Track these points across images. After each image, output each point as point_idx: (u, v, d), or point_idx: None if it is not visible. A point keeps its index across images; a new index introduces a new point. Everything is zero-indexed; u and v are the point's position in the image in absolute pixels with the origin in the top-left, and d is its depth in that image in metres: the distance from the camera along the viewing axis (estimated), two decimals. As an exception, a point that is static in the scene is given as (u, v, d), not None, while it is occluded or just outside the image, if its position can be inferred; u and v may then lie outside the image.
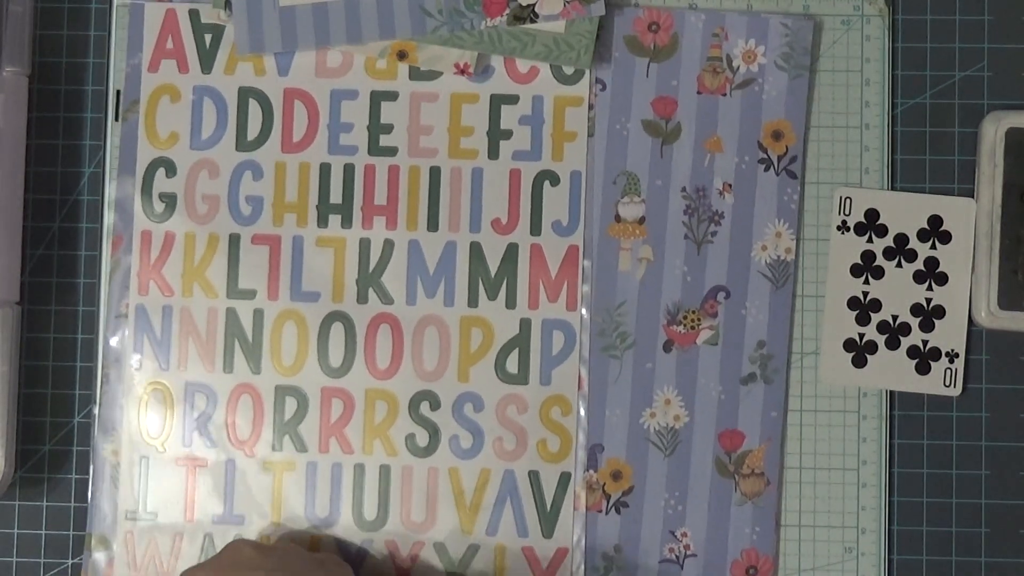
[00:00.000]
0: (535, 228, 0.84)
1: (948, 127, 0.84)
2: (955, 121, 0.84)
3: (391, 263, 0.84)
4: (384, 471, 0.83)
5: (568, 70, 0.84)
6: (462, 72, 0.83)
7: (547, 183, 0.84)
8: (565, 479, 0.83)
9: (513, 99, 0.84)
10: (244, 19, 0.83)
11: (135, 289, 0.84)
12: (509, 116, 0.84)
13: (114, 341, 0.83)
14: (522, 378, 0.83)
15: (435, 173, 0.84)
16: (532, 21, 0.83)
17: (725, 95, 0.84)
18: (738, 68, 0.84)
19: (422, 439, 0.83)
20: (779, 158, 0.83)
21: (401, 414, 0.83)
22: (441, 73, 0.84)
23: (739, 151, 0.84)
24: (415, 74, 0.84)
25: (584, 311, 0.83)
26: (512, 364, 0.83)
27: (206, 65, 0.84)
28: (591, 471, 0.83)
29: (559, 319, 0.83)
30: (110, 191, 0.84)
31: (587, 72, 0.84)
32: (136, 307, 0.84)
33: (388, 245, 0.84)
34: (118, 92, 0.84)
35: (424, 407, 0.83)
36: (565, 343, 0.83)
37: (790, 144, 0.84)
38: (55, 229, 0.85)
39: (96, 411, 0.83)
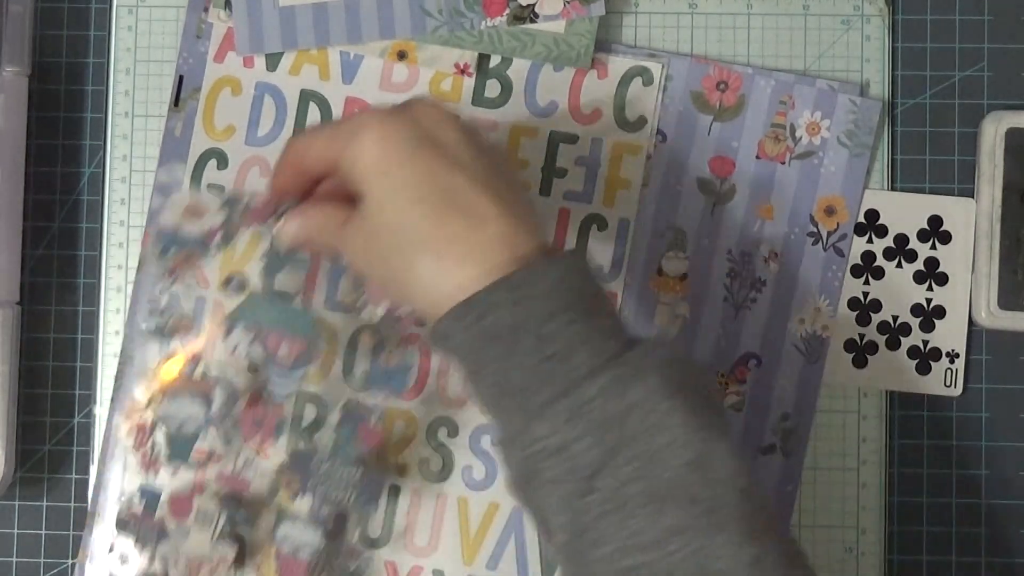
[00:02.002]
0: None
1: (948, 127, 0.84)
2: (955, 121, 0.84)
3: None
4: (393, 491, 0.83)
5: (632, 117, 0.83)
6: (462, 72, 0.83)
7: (595, 227, 0.83)
8: None
9: (572, 139, 0.84)
10: (244, 19, 0.83)
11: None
12: (566, 155, 0.84)
13: (145, 325, 0.83)
14: None
15: None
16: (532, 21, 0.83)
17: (784, 163, 0.83)
18: (800, 138, 0.83)
19: (436, 464, 0.83)
20: (829, 234, 0.83)
21: (418, 437, 0.83)
22: (505, 102, 0.84)
23: (790, 221, 0.83)
24: (478, 100, 0.84)
25: None
26: None
27: (272, 63, 0.84)
28: None
29: None
30: (157, 176, 0.84)
31: (649, 121, 0.83)
32: (170, 294, 0.83)
33: None
34: (180, 77, 0.84)
35: (442, 433, 0.83)
36: None
37: (842, 221, 0.83)
38: (55, 229, 0.85)
39: (98, 411, 0.83)
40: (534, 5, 0.82)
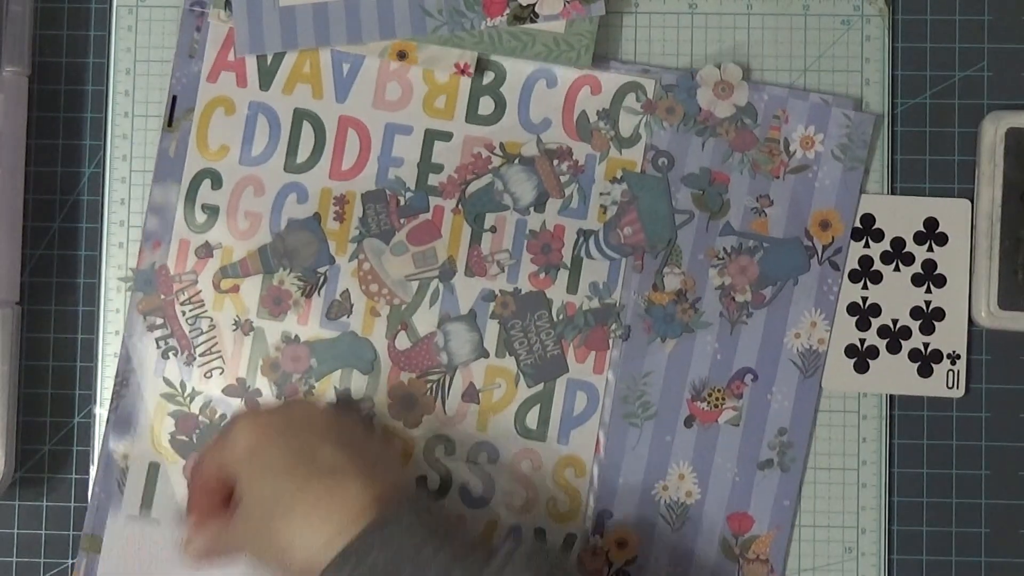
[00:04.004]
0: (572, 287, 0.83)
1: (948, 127, 0.84)
2: (955, 121, 0.84)
3: (423, 303, 0.83)
4: None
5: (626, 133, 0.83)
6: (462, 72, 0.83)
7: (590, 242, 0.83)
8: (570, 540, 0.82)
9: (566, 155, 0.84)
10: (244, 19, 0.83)
11: (190, 270, 0.84)
12: (560, 171, 0.84)
13: (141, 346, 0.83)
14: (540, 435, 0.83)
15: (479, 219, 0.84)
16: (532, 21, 0.83)
17: (779, 178, 0.83)
18: (795, 152, 0.83)
19: (433, 483, 0.83)
20: (824, 248, 0.83)
21: (415, 455, 0.83)
22: (499, 119, 0.84)
23: (785, 236, 0.83)
24: (472, 117, 0.84)
25: (610, 376, 0.83)
26: (532, 419, 0.83)
27: (265, 82, 0.84)
28: (597, 536, 0.82)
29: (584, 380, 0.83)
30: (152, 196, 0.84)
31: (643, 137, 0.83)
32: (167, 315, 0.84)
33: (423, 285, 0.84)
34: (174, 98, 0.84)
35: (439, 451, 0.83)
36: (587, 405, 0.83)
37: (836, 235, 0.83)
38: (55, 229, 0.85)
39: (98, 411, 0.84)
40: (534, 5, 0.82)
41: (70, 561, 0.83)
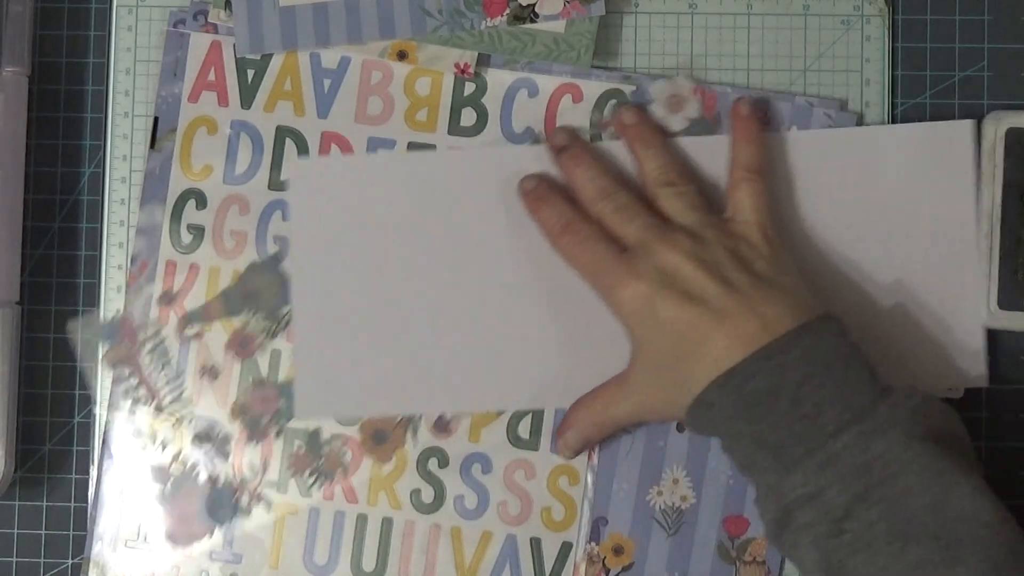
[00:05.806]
0: None
1: (948, 127, 0.84)
2: (955, 121, 0.84)
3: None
4: (387, 524, 0.82)
5: (607, 140, 0.83)
6: (462, 72, 0.83)
7: None
8: (566, 549, 0.82)
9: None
10: (244, 19, 0.83)
11: (154, 319, 0.83)
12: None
13: (111, 398, 0.83)
14: (533, 444, 0.82)
15: None
16: (532, 21, 0.83)
17: None
18: None
19: (427, 496, 0.82)
20: None
21: (409, 469, 0.83)
22: (481, 130, 0.83)
23: None
24: (454, 129, 0.83)
25: None
26: (524, 429, 0.83)
27: (246, 100, 0.84)
28: (593, 544, 0.82)
29: None
30: (139, 218, 0.84)
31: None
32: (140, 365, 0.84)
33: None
34: (156, 119, 0.84)
35: (432, 464, 0.82)
36: None
37: None
38: (55, 229, 0.85)
39: (97, 411, 0.83)
40: (534, 5, 0.82)
41: (70, 561, 0.83)
